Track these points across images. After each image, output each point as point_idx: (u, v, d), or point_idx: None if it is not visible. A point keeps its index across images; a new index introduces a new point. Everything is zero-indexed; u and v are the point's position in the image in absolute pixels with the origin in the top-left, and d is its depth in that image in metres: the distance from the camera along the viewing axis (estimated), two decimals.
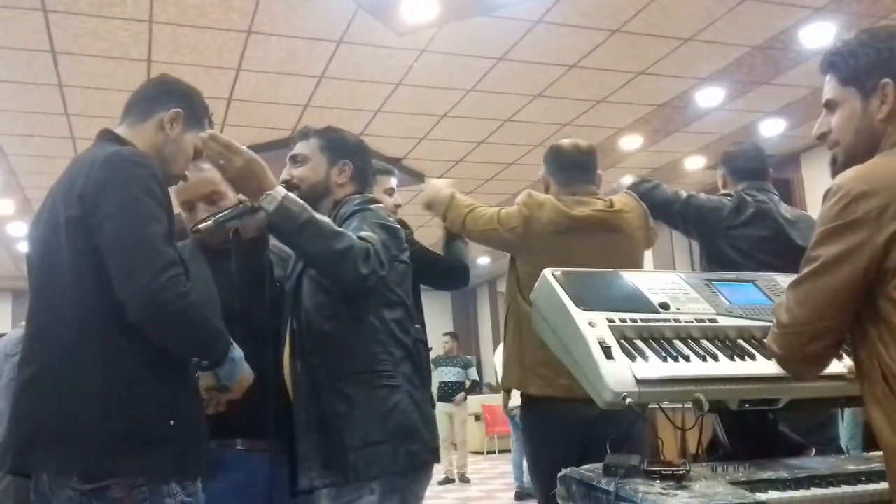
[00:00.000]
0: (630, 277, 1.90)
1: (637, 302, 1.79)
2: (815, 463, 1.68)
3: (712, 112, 7.17)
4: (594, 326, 1.64)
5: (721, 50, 5.89)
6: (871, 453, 1.73)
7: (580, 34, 5.54)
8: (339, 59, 5.74)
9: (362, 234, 2.01)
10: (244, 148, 1.92)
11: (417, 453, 2.06)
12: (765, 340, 1.69)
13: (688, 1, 5.11)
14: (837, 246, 1.40)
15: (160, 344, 1.68)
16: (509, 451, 9.09)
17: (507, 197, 9.83)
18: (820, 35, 5.62)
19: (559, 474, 1.70)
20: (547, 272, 1.83)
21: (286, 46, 5.49)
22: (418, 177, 8.09)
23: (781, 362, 1.55)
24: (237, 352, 1.86)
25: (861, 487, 1.55)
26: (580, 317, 1.67)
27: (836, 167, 1.60)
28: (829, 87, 1.60)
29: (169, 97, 1.96)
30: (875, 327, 1.41)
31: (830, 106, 1.60)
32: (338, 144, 2.34)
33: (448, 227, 2.96)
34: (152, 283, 1.61)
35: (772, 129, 7.69)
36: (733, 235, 3.06)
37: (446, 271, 3.07)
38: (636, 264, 2.71)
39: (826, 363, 1.54)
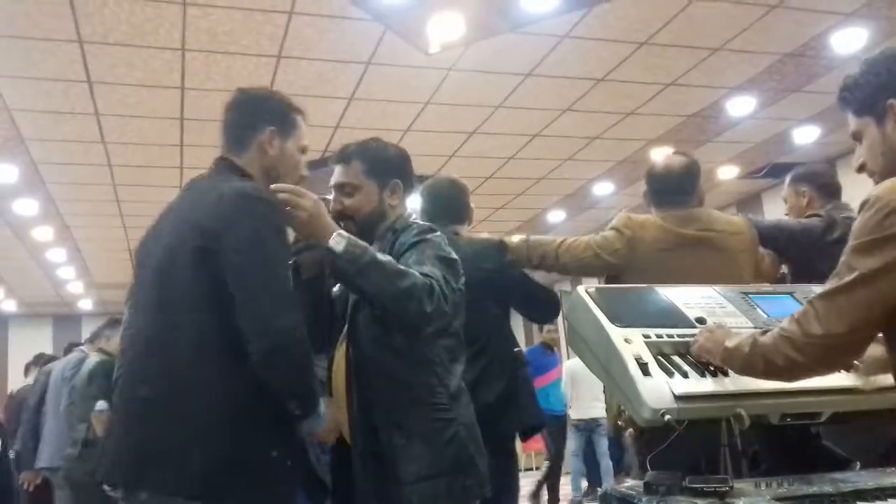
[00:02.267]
0: (665, 292, 1.89)
1: (673, 317, 1.78)
2: (859, 477, 1.64)
3: (744, 121, 7.10)
4: (630, 343, 1.64)
5: (751, 58, 5.84)
6: None
7: (607, 47, 5.53)
8: (367, 81, 5.79)
9: (424, 269, 1.98)
10: (308, 192, 1.96)
11: (472, 487, 2.04)
12: None
13: (715, 11, 5.08)
14: (875, 259, 1.38)
15: (265, 380, 1.73)
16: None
17: (537, 212, 9.82)
18: (852, 40, 5.55)
19: (600, 492, 1.69)
20: (581, 289, 1.83)
21: (316, 69, 5.56)
22: None
23: (800, 369, 1.51)
24: (323, 407, 1.90)
25: None
26: (616, 333, 1.66)
27: None
28: (850, 122, 1.61)
29: (256, 119, 2.01)
30: None
31: (857, 138, 1.61)
32: (382, 164, 2.26)
33: (537, 266, 2.88)
34: (277, 322, 1.70)
35: (806, 136, 7.60)
36: (829, 253, 3.03)
37: (544, 303, 3.06)
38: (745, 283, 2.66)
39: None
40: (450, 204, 2.99)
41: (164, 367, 1.73)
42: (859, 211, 1.45)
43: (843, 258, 1.45)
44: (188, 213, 1.82)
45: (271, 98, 2.09)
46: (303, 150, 2.07)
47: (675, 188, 2.74)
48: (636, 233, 2.63)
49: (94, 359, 4.96)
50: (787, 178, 3.45)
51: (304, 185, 2.09)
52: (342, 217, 2.15)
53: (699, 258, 2.55)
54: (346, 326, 2.22)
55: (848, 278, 1.41)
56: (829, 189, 3.24)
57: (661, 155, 2.91)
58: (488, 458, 2.10)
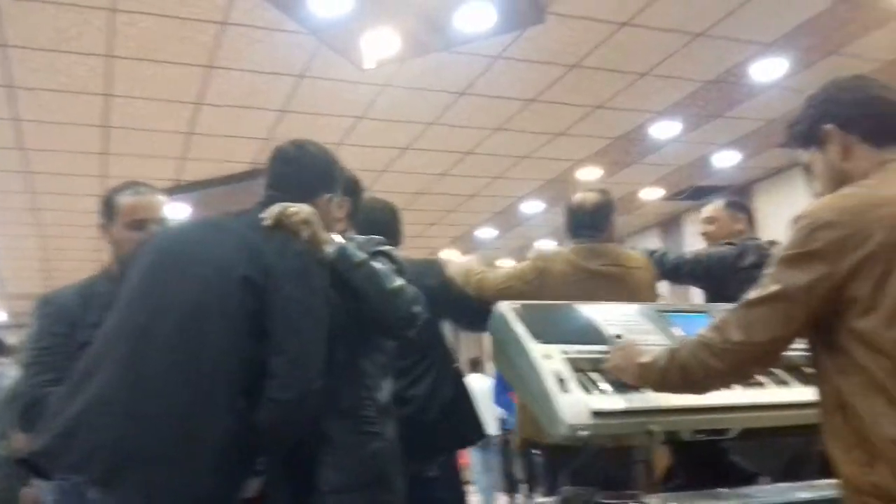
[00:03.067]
0: (586, 310, 1.93)
1: (592, 334, 1.82)
2: (765, 492, 1.70)
3: (668, 144, 7.31)
4: (550, 359, 1.67)
5: (676, 84, 6.03)
6: (821, 481, 1.76)
7: (539, 69, 5.63)
8: (300, 94, 5.76)
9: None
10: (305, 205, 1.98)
11: (390, 503, 2.06)
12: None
13: (643, 37, 5.24)
14: (798, 274, 1.42)
15: (267, 425, 1.77)
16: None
17: (468, 228, 9.89)
18: (771, 69, 5.79)
19: None
20: (503, 305, 1.85)
21: (247, 81, 5.50)
22: None
23: (716, 376, 1.55)
24: None
25: None
26: (536, 349, 1.69)
27: None
28: (801, 157, 1.68)
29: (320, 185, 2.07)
30: (833, 359, 1.43)
31: (809, 170, 1.67)
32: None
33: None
34: (315, 379, 1.78)
35: (726, 160, 7.87)
36: (740, 279, 3.20)
37: (486, 316, 3.10)
38: None
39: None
40: (385, 227, 3.03)
41: (170, 376, 1.73)
42: (790, 226, 1.49)
43: (768, 269, 1.49)
44: (247, 242, 1.86)
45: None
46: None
47: (587, 223, 2.92)
48: (546, 264, 2.82)
49: (14, 372, 4.69)
50: (724, 202, 3.77)
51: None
52: None
53: (602, 291, 2.65)
54: None
55: (772, 289, 1.45)
56: (754, 221, 3.67)
57: (582, 188, 3.12)
58: (435, 471, 2.11)
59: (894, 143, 1.54)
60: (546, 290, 2.71)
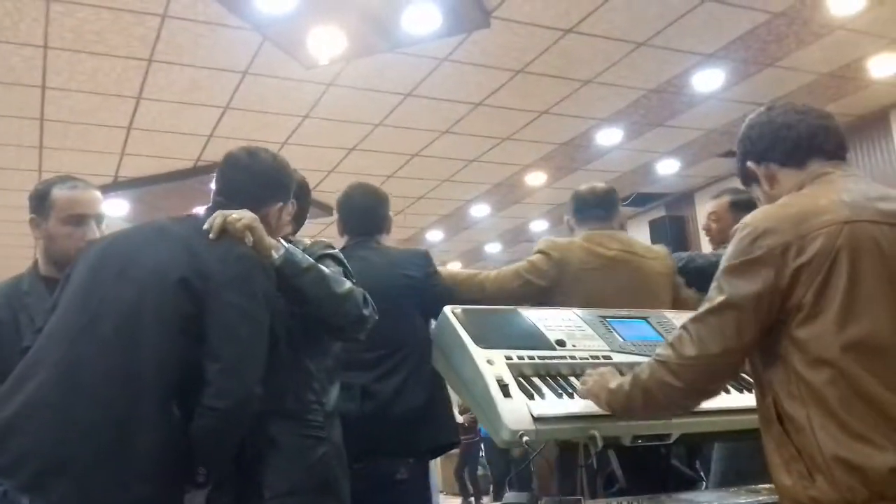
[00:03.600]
0: (528, 315, 1.93)
1: (535, 339, 1.82)
2: (705, 497, 1.73)
3: (612, 151, 7.42)
4: (492, 364, 1.66)
5: (619, 92, 6.12)
6: (760, 486, 1.80)
7: (485, 73, 5.65)
8: (244, 91, 5.66)
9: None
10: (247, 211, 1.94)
11: None
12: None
13: (587, 45, 5.30)
14: (743, 283, 1.43)
15: (201, 435, 1.72)
16: None
17: (416, 231, 9.87)
18: (710, 80, 5.92)
19: None
20: (447, 310, 1.84)
21: (189, 76, 5.39)
22: (327, 210, 8.02)
23: (677, 395, 1.53)
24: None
25: None
26: (479, 354, 1.69)
27: None
28: (750, 192, 1.75)
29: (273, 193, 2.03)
30: (773, 369, 1.44)
31: (758, 203, 1.71)
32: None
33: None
34: (253, 389, 1.74)
35: (667, 168, 8.02)
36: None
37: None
38: (663, 305, 2.70)
39: (717, 395, 1.59)
40: (368, 215, 2.96)
41: (105, 378, 1.68)
42: (731, 237, 1.51)
43: (714, 282, 1.50)
44: (188, 245, 1.81)
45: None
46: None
47: (597, 206, 2.86)
48: (563, 254, 2.68)
49: None
50: (728, 200, 3.43)
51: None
52: None
53: (620, 278, 2.63)
54: None
55: (719, 300, 1.46)
56: None
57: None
58: (404, 474, 2.08)
59: (816, 158, 1.59)
60: (565, 282, 2.62)
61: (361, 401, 2.43)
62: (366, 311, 2.00)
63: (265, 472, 1.96)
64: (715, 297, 1.48)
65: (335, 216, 2.98)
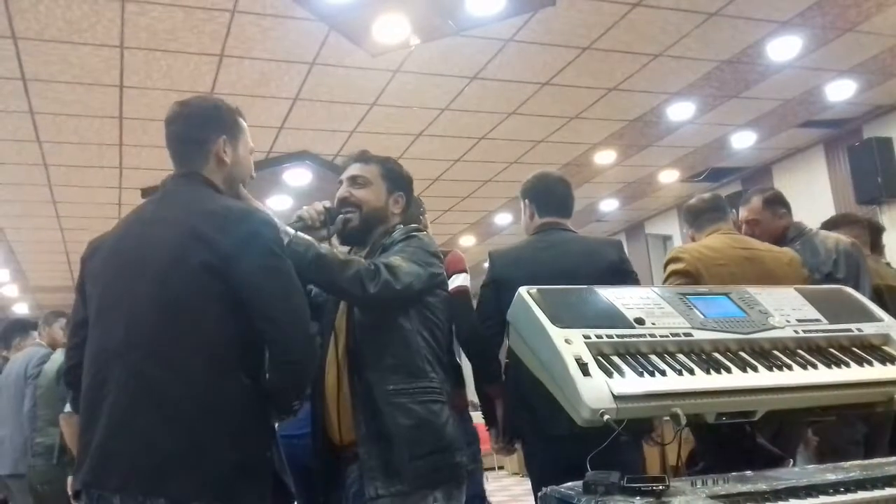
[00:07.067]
0: (605, 293, 1.91)
1: (613, 318, 1.80)
2: (792, 474, 1.68)
3: (684, 126, 7.25)
4: (571, 343, 1.65)
5: (690, 65, 5.97)
6: (848, 463, 1.74)
7: (551, 52, 5.58)
8: (312, 81, 5.74)
9: (388, 259, 2.14)
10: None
11: (465, 465, 2.18)
12: (741, 353, 1.70)
13: (655, 18, 5.18)
14: None
15: (280, 384, 1.87)
16: None
17: (484, 214, 9.86)
18: (786, 48, 5.72)
19: (539, 494, 1.69)
20: (522, 290, 1.84)
21: (259, 69, 5.49)
22: None
23: None
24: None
25: (838, 497, 1.55)
26: (556, 334, 1.67)
27: None
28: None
29: (207, 130, 2.03)
30: None
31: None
32: (397, 176, 2.46)
33: None
34: (308, 331, 1.87)
35: (743, 141, 7.79)
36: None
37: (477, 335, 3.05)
38: None
39: None
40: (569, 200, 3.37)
41: (173, 376, 1.75)
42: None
43: None
44: (189, 227, 1.84)
45: (217, 106, 2.11)
46: (251, 152, 2.15)
47: (712, 208, 3.05)
48: (691, 254, 2.81)
49: (59, 355, 4.53)
50: (760, 200, 3.53)
51: (253, 184, 2.19)
52: (347, 204, 2.35)
53: (750, 270, 2.72)
54: (334, 323, 2.27)
55: None
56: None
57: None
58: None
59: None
60: (702, 278, 2.70)
61: None
62: (372, 290, 2.03)
63: (407, 441, 2.06)
64: None
65: (523, 202, 3.22)
